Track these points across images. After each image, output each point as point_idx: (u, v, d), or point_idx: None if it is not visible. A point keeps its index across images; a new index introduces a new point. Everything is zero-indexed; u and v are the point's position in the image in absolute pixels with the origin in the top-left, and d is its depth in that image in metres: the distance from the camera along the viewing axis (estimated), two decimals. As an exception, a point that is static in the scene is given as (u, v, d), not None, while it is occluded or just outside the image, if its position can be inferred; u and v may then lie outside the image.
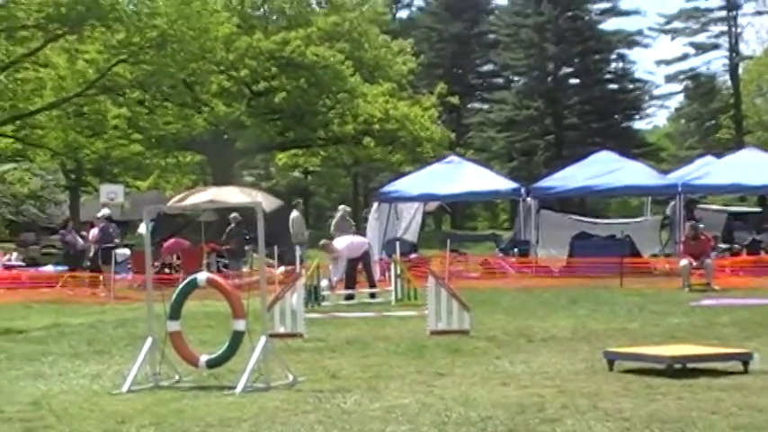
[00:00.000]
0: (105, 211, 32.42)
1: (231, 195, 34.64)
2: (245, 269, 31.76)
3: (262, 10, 56.38)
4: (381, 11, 61.52)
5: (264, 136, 54.18)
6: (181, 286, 12.64)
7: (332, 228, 30.98)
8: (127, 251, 33.18)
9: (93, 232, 31.63)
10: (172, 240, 32.61)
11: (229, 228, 32.75)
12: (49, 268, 34.94)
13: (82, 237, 33.35)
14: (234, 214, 32.93)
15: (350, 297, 23.90)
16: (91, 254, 31.67)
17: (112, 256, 29.09)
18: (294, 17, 55.02)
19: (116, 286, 28.29)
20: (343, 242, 24.64)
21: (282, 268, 27.47)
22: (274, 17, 55.96)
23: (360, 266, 24.79)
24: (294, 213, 33.03)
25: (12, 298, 28.00)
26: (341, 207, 31.82)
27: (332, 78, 52.28)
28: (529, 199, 33.09)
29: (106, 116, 46.35)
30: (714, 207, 37.74)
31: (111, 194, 40.27)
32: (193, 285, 12.42)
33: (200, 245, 30.74)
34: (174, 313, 12.25)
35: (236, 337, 11.92)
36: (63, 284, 30.18)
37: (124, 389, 11.61)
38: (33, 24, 42.50)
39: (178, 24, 41.86)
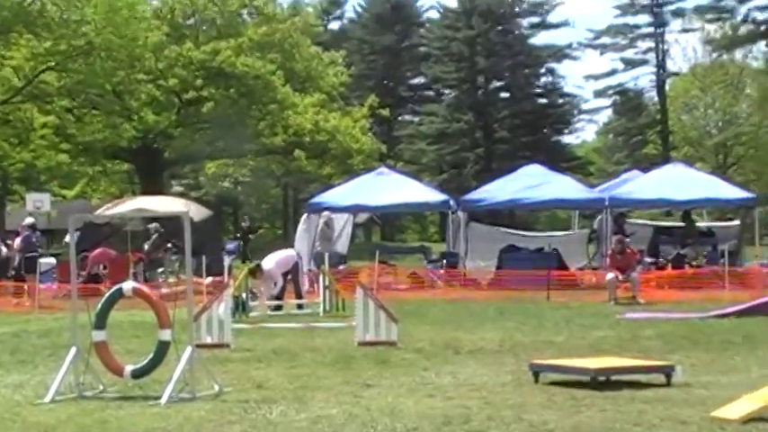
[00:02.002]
0: (29, 220, 32.01)
1: (159, 204, 34.43)
2: (171, 279, 31.56)
3: (192, 19, 56.05)
4: (313, 22, 61.44)
5: (194, 145, 53.97)
6: (106, 295, 12.54)
7: (316, 237, 30.81)
8: (52, 260, 32.83)
9: (17, 241, 31.26)
10: (98, 250, 32.32)
11: (152, 238, 32.61)
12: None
13: (7, 246, 32.90)
14: (154, 224, 32.80)
15: (278, 308, 23.81)
16: (15, 263, 31.29)
17: (36, 265, 28.76)
18: (225, 27, 54.77)
19: (41, 296, 27.95)
20: (271, 261, 24.51)
21: (210, 279, 27.31)
22: (204, 27, 55.67)
23: (288, 277, 24.71)
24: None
25: (-66, 307, 27.56)
26: (324, 214, 31.46)
27: (262, 89, 52.11)
28: (459, 212, 33.20)
29: (33, 124, 45.83)
30: (640, 221, 38.06)
31: (37, 203, 39.78)
32: (119, 294, 12.32)
33: (126, 254, 30.51)
34: (100, 322, 12.13)
35: (162, 347, 11.83)
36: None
37: (47, 399, 11.47)
38: (-43, 31, 42.07)
39: (106, 32, 41.55)
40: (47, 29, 42.16)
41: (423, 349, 15.85)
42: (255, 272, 24.04)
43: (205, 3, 54.48)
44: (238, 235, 44.54)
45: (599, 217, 33.62)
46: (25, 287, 29.35)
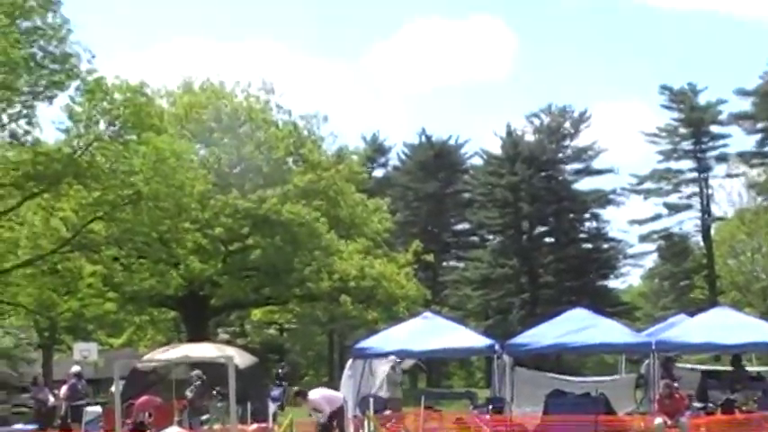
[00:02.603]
0: (75, 368, 32.28)
1: (204, 351, 34.51)
2: (216, 425, 31.44)
3: (238, 168, 56.90)
4: (357, 169, 62.14)
5: (239, 293, 54.25)
6: (150, 441, 12.56)
7: (384, 382, 30.84)
8: (98, 408, 32.86)
9: (63, 389, 31.43)
10: (144, 397, 32.34)
11: (193, 384, 32.64)
12: (19, 427, 34.48)
13: (54, 395, 33.04)
14: (197, 371, 32.86)
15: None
16: (62, 411, 31.40)
17: (82, 414, 28.82)
18: (270, 175, 55.52)
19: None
20: (317, 393, 24.57)
21: (255, 425, 27.22)
22: (251, 175, 56.46)
23: (334, 423, 24.60)
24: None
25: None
26: (390, 358, 31.50)
27: (308, 236, 52.58)
28: (504, 356, 33.00)
29: (81, 273, 46.27)
30: (688, 366, 37.70)
31: (84, 352, 40.07)
32: (163, 440, 12.35)
33: (171, 402, 30.50)
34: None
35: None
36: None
37: None
38: (10, 183, 42.75)
39: (154, 181, 42.12)
40: (96, 179, 42.75)
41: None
42: (298, 396, 24.19)
43: (251, 151, 55.34)
44: (277, 382, 44.45)
45: (646, 361, 33.29)
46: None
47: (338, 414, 24.51)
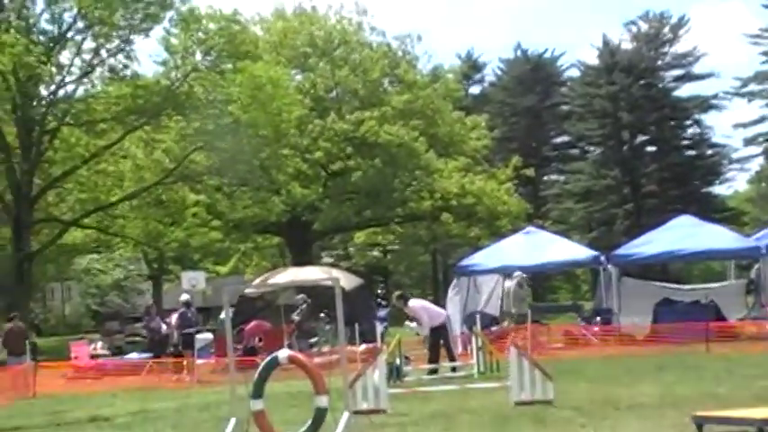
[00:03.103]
0: (185, 297, 32.73)
1: (310, 274, 34.81)
2: (325, 348, 31.76)
3: (334, 92, 56.95)
4: (454, 87, 61.78)
5: (342, 216, 54.51)
6: (263, 365, 12.66)
7: (510, 298, 30.91)
8: (209, 335, 33.36)
9: (174, 318, 31.95)
10: (253, 323, 32.76)
11: (299, 308, 32.95)
12: (134, 356, 35.16)
13: (165, 323, 33.60)
14: (302, 295, 33.15)
15: (433, 371, 23.74)
16: (174, 339, 31.94)
17: (193, 341, 29.29)
18: (367, 97, 55.52)
19: (199, 371, 28.41)
20: (418, 302, 24.73)
21: (364, 346, 27.42)
22: (347, 98, 56.49)
23: (441, 342, 24.66)
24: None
25: (98, 387, 28.20)
26: (516, 274, 31.50)
27: (407, 156, 52.60)
28: (609, 267, 32.78)
29: (185, 203, 46.84)
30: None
31: (192, 281, 40.59)
32: (275, 363, 12.43)
33: (281, 326, 30.83)
34: (258, 392, 12.25)
35: (320, 414, 11.87)
36: (148, 371, 30.34)
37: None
38: (111, 117, 43.30)
39: (251, 109, 42.35)
40: (194, 110, 43.16)
41: (580, 407, 15.59)
42: (400, 299, 24.38)
43: (347, 75, 55.32)
44: (380, 301, 44.69)
45: (756, 266, 32.83)
46: (184, 363, 29.87)
47: (441, 330, 24.53)
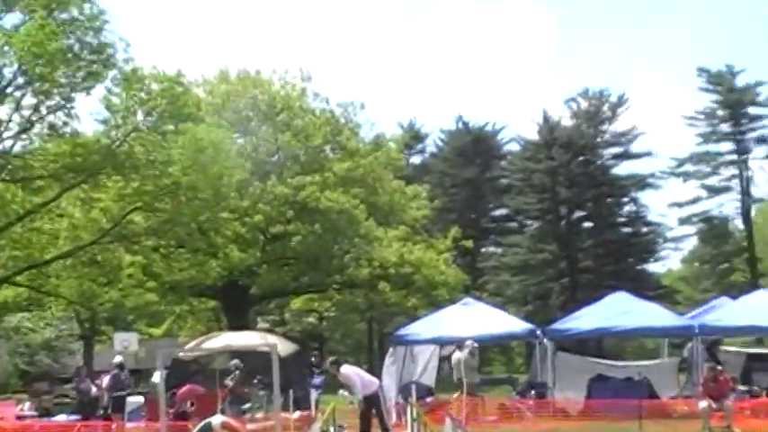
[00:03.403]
0: (118, 359, 32.41)
1: (247, 339, 34.58)
2: (258, 414, 31.47)
3: (276, 156, 56.96)
4: (395, 156, 62.02)
5: (279, 281, 54.30)
6: (196, 430, 12.51)
7: (461, 366, 30.72)
8: (140, 399, 32.95)
9: (106, 380, 31.56)
10: (186, 387, 32.41)
11: (233, 373, 32.72)
12: (62, 418, 34.60)
13: (95, 385, 33.17)
14: (235, 360, 32.94)
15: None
16: (104, 402, 31.53)
17: (124, 404, 28.93)
18: (309, 163, 55.57)
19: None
20: (351, 369, 24.52)
21: (298, 413, 27.21)
22: (289, 163, 56.50)
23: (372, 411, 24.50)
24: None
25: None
26: (468, 343, 31.40)
27: (347, 223, 52.58)
28: (545, 341, 32.87)
29: (120, 264, 46.39)
30: (732, 349, 37.36)
31: (124, 342, 40.19)
32: (208, 429, 12.29)
33: (214, 391, 30.54)
34: (189, 457, 12.11)
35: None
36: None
37: None
38: (49, 175, 42.88)
39: (192, 171, 42.16)
40: (134, 170, 42.82)
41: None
42: (333, 364, 24.17)
43: (289, 139, 55.36)
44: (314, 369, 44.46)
45: (689, 345, 33.07)
46: (113, 426, 29.46)
47: (373, 399, 24.35)
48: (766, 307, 32.56)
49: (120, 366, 31.66)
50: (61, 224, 45.09)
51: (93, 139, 43.75)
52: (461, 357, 31.25)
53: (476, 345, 31.48)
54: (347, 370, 24.44)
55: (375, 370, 40.51)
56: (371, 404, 24.22)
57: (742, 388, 30.99)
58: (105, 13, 39.79)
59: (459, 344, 32.66)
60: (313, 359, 49.99)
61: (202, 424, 12.47)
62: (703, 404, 25.33)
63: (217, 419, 12.55)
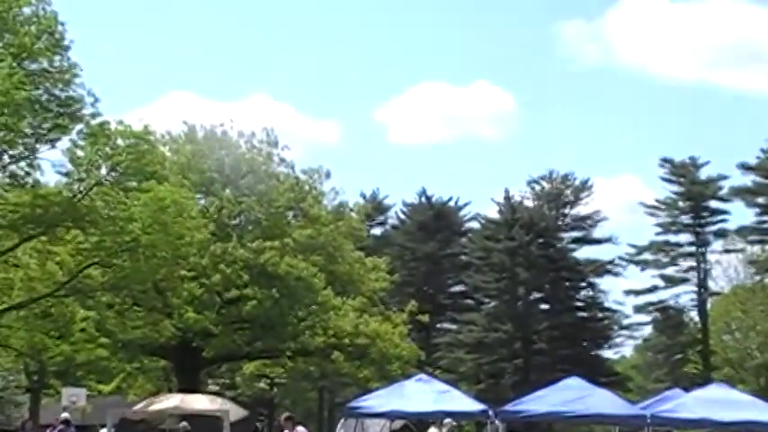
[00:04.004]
0: (65, 415, 32.04)
1: (198, 402, 34.26)
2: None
3: (238, 219, 56.83)
4: (357, 226, 62.01)
5: (233, 345, 53.92)
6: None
7: None
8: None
9: (52, 435, 31.17)
10: (132, 447, 32.08)
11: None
12: (5, 470, 34.08)
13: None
14: (183, 423, 32.66)
15: None
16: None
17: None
18: (270, 228, 55.42)
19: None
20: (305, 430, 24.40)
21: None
22: (250, 227, 56.38)
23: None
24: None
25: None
26: (447, 421, 31.26)
27: (304, 290, 52.38)
28: (497, 421, 32.68)
29: (74, 318, 45.92)
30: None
31: (72, 397, 39.71)
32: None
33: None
34: None
35: None
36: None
37: None
38: (7, 224, 42.47)
39: (152, 230, 41.93)
40: (94, 225, 42.48)
41: None
42: (288, 420, 24.02)
43: (251, 203, 55.29)
44: None
45: (640, 435, 33.00)
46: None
47: None
48: (721, 401, 32.55)
49: (66, 422, 31.28)
50: (16, 274, 44.61)
51: (54, 190, 43.37)
52: None
53: (455, 424, 31.42)
54: (303, 429, 24.37)
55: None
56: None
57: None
58: (76, 66, 39.66)
59: (434, 420, 32.75)
60: (258, 424, 49.63)
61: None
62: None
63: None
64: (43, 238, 43.73)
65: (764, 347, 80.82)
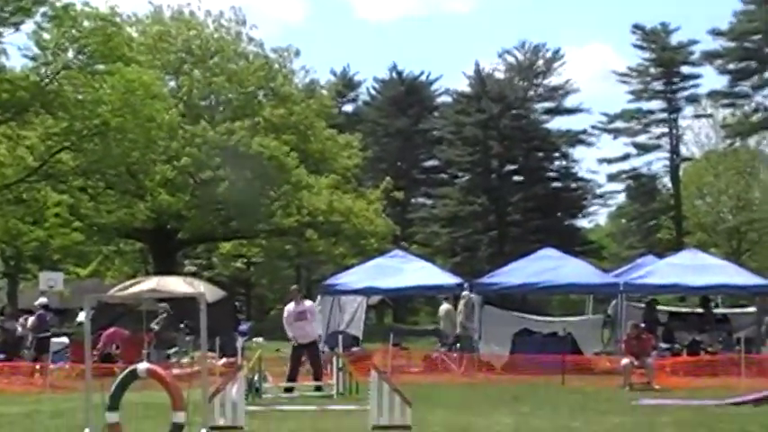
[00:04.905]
0: (42, 300, 32.10)
1: (174, 285, 34.41)
2: (184, 360, 31.41)
3: (208, 100, 56.52)
4: (328, 104, 61.81)
5: (207, 226, 54.03)
6: (120, 377, 12.44)
7: (461, 318, 30.93)
8: (65, 340, 32.72)
9: (31, 320, 31.28)
10: (112, 329, 32.27)
11: (159, 317, 32.65)
12: (-16, 356, 34.22)
13: (21, 325, 32.89)
14: (163, 304, 32.84)
15: (289, 390, 23.61)
16: (29, 342, 31.31)
17: (47, 345, 28.74)
18: (241, 108, 55.20)
19: (53, 376, 27.83)
20: (291, 307, 24.63)
21: (223, 360, 27.18)
22: (221, 108, 56.12)
23: (304, 357, 24.63)
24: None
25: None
26: (465, 294, 31.53)
27: (277, 169, 52.34)
28: (473, 294, 33.01)
29: (46, 203, 45.91)
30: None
31: (50, 282, 39.73)
32: (133, 376, 12.22)
33: (140, 334, 30.40)
34: (113, 404, 12.03)
35: (176, 430, 11.69)
36: (-1, 372, 29.62)
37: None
38: (-25, 110, 42.24)
39: (121, 113, 41.72)
40: (63, 109, 42.28)
41: (437, 434, 15.65)
42: (300, 292, 24.59)
43: (222, 83, 54.91)
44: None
45: (613, 302, 33.45)
46: (37, 366, 29.27)
47: (311, 348, 24.43)
48: (692, 266, 32.98)
49: (45, 307, 31.40)
50: (-14, 161, 44.45)
51: (21, 75, 43.06)
52: (460, 308, 31.43)
53: (472, 296, 31.70)
54: (311, 304, 24.92)
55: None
56: (304, 352, 24.27)
57: (663, 346, 31.42)
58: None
59: (446, 296, 33.20)
60: (237, 304, 49.99)
61: (127, 371, 12.38)
62: (625, 361, 25.65)
63: (142, 367, 12.47)
64: (12, 123, 43.54)
65: (736, 211, 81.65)
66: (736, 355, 27.98)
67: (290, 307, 24.75)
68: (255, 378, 22.23)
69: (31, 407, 21.36)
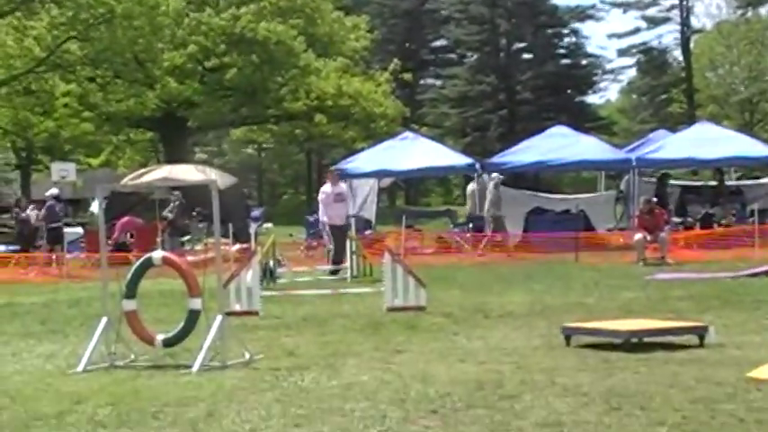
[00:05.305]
0: (53, 191, 32.18)
1: (186, 173, 34.45)
2: (198, 247, 31.59)
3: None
4: (334, -14, 61.14)
5: (217, 113, 53.88)
6: (136, 265, 12.49)
7: (489, 201, 31.06)
8: (79, 230, 32.91)
9: (42, 211, 31.47)
10: (125, 218, 32.42)
11: (172, 205, 32.77)
12: (0, 248, 34.49)
13: (35, 216, 33.09)
14: (176, 192, 32.94)
15: (335, 272, 23.74)
16: (43, 233, 31.53)
17: (60, 235, 28.93)
18: (246, -8, 54.62)
19: (69, 265, 28.05)
20: (329, 189, 24.76)
21: (237, 246, 27.33)
22: (226, -7, 55.60)
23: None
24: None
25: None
26: (494, 176, 31.58)
27: (284, 54, 51.96)
28: (484, 175, 33.03)
29: (55, 93, 45.85)
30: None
31: (62, 172, 39.78)
32: (148, 264, 12.27)
33: (153, 222, 30.54)
34: (130, 292, 12.08)
35: (192, 316, 11.76)
36: (16, 263, 29.84)
37: (79, 368, 11.44)
38: (-19, 1, 41.99)
39: (127, 0, 41.44)
40: (69, -3, 42.04)
41: (452, 314, 15.76)
42: (336, 171, 24.93)
43: (226, -34, 54.29)
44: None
45: (626, 177, 33.45)
46: (53, 257, 29.50)
47: (342, 230, 24.39)
48: (704, 139, 32.90)
49: (56, 198, 31.49)
50: (-6, 53, 44.31)
51: (26, -36, 42.73)
52: (489, 190, 31.49)
53: (501, 177, 31.72)
54: (344, 186, 25.18)
55: (314, 201, 40.66)
56: (343, 232, 24.28)
57: (677, 220, 31.49)
58: None
59: (469, 176, 33.36)
60: (245, 190, 50.06)
61: (143, 259, 12.42)
62: (638, 236, 25.71)
63: (157, 254, 12.51)
64: (18, 13, 43.29)
65: (748, 82, 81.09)
66: (750, 227, 28.06)
67: (327, 188, 24.81)
68: (270, 263, 22.34)
69: (48, 296, 21.57)
